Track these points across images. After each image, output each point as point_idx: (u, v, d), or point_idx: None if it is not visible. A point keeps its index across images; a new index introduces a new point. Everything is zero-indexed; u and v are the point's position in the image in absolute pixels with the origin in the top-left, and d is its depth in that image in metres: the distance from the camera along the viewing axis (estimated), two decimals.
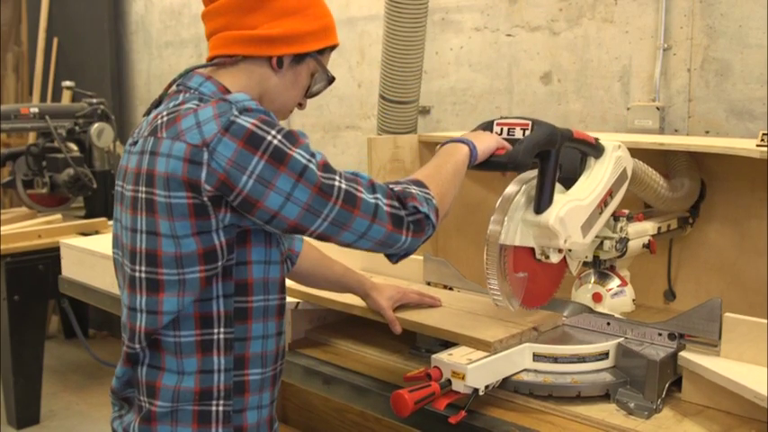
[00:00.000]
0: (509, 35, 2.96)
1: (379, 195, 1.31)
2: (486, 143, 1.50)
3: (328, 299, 1.89)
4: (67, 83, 4.64)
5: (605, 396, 1.55)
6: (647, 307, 2.18)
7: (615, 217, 1.81)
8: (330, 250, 1.83)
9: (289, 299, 1.96)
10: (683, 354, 1.56)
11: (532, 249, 1.61)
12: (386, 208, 1.30)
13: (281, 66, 1.38)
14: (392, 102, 2.78)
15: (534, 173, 1.59)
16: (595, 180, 1.67)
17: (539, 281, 1.67)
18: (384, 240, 1.32)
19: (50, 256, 3.49)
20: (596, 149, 1.68)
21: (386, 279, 2.06)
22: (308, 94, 1.47)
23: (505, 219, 1.57)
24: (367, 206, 1.28)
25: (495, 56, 3.00)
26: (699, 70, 2.46)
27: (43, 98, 5.51)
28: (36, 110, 3.93)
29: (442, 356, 1.54)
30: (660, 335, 1.60)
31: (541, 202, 1.55)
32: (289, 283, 1.95)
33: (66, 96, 5.08)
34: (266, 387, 1.38)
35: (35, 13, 5.60)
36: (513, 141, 1.52)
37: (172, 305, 1.28)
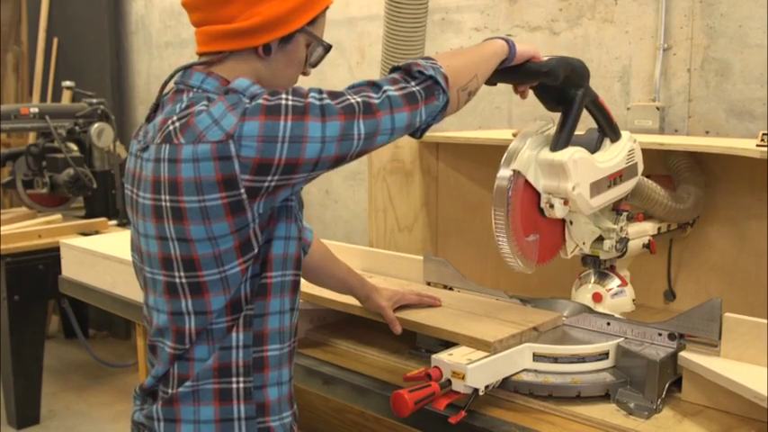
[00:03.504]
0: (509, 35, 2.96)
1: (385, 88, 1.31)
2: (525, 47, 1.51)
3: (328, 299, 1.89)
4: (67, 83, 4.64)
5: (605, 396, 1.55)
6: (647, 307, 2.18)
7: (618, 210, 1.82)
8: (332, 250, 1.83)
9: None
10: (683, 354, 1.56)
11: (538, 200, 1.63)
12: (396, 93, 1.31)
13: (269, 52, 1.35)
14: None
15: (538, 127, 1.64)
16: (610, 155, 1.71)
17: (542, 237, 1.68)
18: (409, 122, 1.33)
19: (50, 256, 3.49)
20: (613, 130, 1.72)
21: (386, 279, 2.06)
22: (308, 64, 1.44)
23: (516, 157, 1.59)
24: (382, 104, 1.29)
25: None
26: (699, 70, 2.46)
27: (43, 98, 5.51)
28: (36, 110, 3.93)
29: (442, 356, 1.53)
30: (660, 335, 1.60)
31: (559, 139, 1.59)
32: None
33: (66, 96, 5.08)
34: (284, 363, 1.38)
35: (35, 13, 5.60)
36: None
37: (219, 303, 1.28)
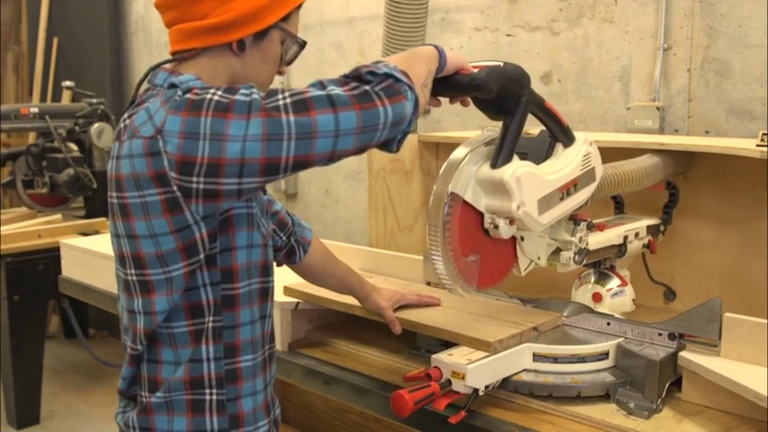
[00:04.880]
0: (509, 35, 2.96)
1: (331, 87, 1.20)
2: (454, 56, 1.39)
3: (328, 299, 1.89)
4: (67, 83, 4.64)
5: (605, 396, 1.55)
6: (647, 307, 2.18)
7: (575, 220, 1.68)
8: (332, 250, 1.83)
9: (289, 299, 1.97)
10: (683, 354, 1.56)
11: (481, 220, 1.50)
12: (342, 92, 1.19)
13: (244, 48, 1.33)
14: None
15: (484, 138, 1.52)
16: (562, 163, 1.57)
17: (488, 259, 1.54)
18: (363, 125, 1.20)
19: (50, 256, 3.49)
20: (566, 134, 1.58)
21: (385, 279, 2.06)
22: (283, 62, 1.41)
23: (454, 173, 1.46)
24: (319, 101, 1.17)
25: (495, 56, 3.00)
26: (699, 70, 2.46)
27: (43, 98, 5.51)
28: (36, 110, 3.93)
29: (442, 356, 1.53)
30: (660, 335, 1.60)
31: (500, 155, 1.45)
32: (291, 282, 1.95)
33: (66, 96, 5.08)
34: (258, 372, 1.38)
35: (35, 13, 5.60)
36: None
37: (163, 304, 1.28)
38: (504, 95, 1.43)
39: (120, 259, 1.32)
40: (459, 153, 1.50)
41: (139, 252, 1.26)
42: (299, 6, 1.40)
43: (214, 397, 1.32)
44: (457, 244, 1.47)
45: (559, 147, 1.59)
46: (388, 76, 1.23)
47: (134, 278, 1.30)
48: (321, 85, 1.21)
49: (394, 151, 1.32)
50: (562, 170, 1.55)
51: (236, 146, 1.15)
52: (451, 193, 1.45)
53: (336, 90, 1.20)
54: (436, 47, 1.38)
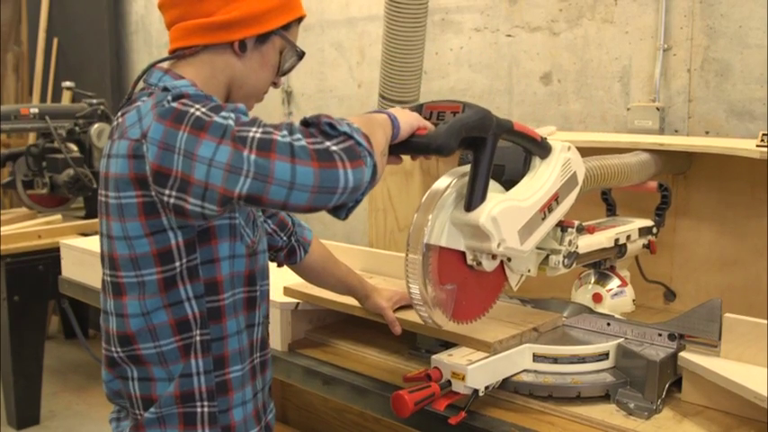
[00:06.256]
0: (509, 35, 2.96)
1: (297, 136, 1.15)
2: (407, 119, 1.33)
3: (328, 299, 1.89)
4: (67, 83, 4.65)
5: (605, 396, 1.55)
6: (648, 307, 2.18)
7: (562, 227, 1.63)
8: (332, 250, 1.83)
9: (288, 299, 1.97)
10: (683, 354, 1.56)
11: (463, 254, 1.47)
12: (305, 144, 1.13)
13: (245, 50, 1.34)
14: (392, 102, 2.78)
15: (462, 172, 1.47)
16: (539, 181, 1.51)
17: (471, 290, 1.52)
18: (320, 184, 1.13)
19: (50, 257, 3.49)
20: (541, 148, 1.52)
21: (385, 279, 2.06)
22: (280, 72, 1.42)
23: (430, 216, 1.42)
24: (282, 147, 1.12)
25: (495, 56, 3.00)
26: (699, 71, 2.46)
27: (43, 98, 5.51)
28: (36, 110, 3.93)
29: (442, 357, 1.53)
30: (660, 335, 1.60)
31: (473, 198, 1.40)
32: (290, 282, 1.95)
33: (66, 96, 5.08)
34: (247, 381, 1.38)
35: (35, 13, 5.60)
36: None
37: (135, 308, 1.28)
38: (468, 142, 1.37)
39: (101, 258, 1.33)
40: (441, 183, 1.46)
41: (113, 253, 1.27)
42: (301, 20, 1.42)
43: (206, 409, 1.32)
44: (437, 281, 1.45)
45: (536, 159, 1.54)
46: (348, 136, 1.16)
47: (108, 279, 1.31)
48: (290, 128, 1.16)
49: (342, 218, 1.27)
50: (540, 188, 1.50)
51: (202, 168, 1.13)
52: (426, 244, 1.41)
53: (301, 141, 1.14)
54: (388, 115, 1.32)
